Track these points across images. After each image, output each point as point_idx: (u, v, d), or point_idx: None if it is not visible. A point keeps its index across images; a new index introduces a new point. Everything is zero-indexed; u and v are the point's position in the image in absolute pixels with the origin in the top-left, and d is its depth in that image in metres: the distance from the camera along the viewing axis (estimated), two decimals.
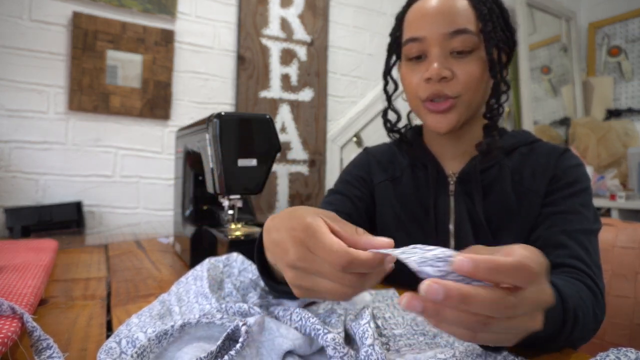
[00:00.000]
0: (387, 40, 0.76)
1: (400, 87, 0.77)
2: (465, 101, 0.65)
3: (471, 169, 0.69)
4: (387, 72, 0.76)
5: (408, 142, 0.77)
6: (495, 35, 0.65)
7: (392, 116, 0.78)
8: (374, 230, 0.78)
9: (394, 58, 0.75)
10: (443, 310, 0.29)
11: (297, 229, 0.36)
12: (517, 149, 0.70)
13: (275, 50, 1.84)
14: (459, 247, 0.66)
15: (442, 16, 0.64)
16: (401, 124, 0.79)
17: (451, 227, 0.68)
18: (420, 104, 0.68)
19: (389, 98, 0.77)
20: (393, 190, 0.74)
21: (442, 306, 0.28)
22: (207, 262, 0.57)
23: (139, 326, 0.42)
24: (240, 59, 1.76)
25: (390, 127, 0.78)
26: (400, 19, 0.72)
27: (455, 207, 0.69)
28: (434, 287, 0.27)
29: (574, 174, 0.66)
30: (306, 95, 1.90)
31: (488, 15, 0.65)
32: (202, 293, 0.50)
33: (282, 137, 1.84)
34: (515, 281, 0.29)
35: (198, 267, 0.56)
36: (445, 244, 0.68)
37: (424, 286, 0.28)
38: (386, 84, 0.77)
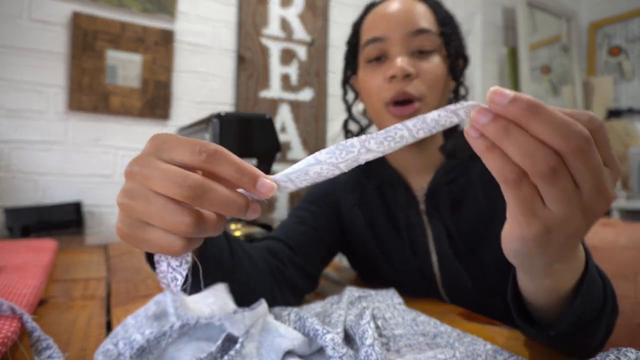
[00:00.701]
0: None
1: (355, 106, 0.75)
2: (429, 104, 0.63)
3: (438, 182, 0.66)
4: (345, 81, 0.75)
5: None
6: (455, 38, 0.66)
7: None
8: (351, 255, 0.76)
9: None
10: (511, 129, 0.25)
11: (157, 135, 0.30)
12: None
13: (275, 50, 1.84)
14: (443, 266, 0.65)
15: (404, 16, 0.64)
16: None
17: (431, 246, 0.66)
18: (382, 109, 0.65)
19: (349, 108, 0.75)
20: (363, 217, 0.70)
21: (511, 124, 0.25)
22: None
23: (135, 327, 0.42)
24: (240, 59, 1.76)
25: (351, 137, 0.76)
26: (357, 26, 0.71)
27: (430, 224, 0.66)
28: (500, 90, 0.24)
29: None
30: (306, 95, 1.90)
31: (447, 19, 0.66)
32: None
33: (282, 137, 1.84)
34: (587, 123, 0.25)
35: None
36: (429, 264, 0.66)
37: (489, 93, 0.25)
38: (345, 93, 0.76)
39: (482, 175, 0.66)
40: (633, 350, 0.34)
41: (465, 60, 0.69)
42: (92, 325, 0.48)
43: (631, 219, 1.90)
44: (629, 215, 1.96)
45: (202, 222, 0.28)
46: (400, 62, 0.62)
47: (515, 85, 2.33)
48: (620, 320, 0.87)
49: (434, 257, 0.65)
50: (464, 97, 0.69)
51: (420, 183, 0.69)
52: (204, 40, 1.71)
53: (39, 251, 0.79)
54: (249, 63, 1.78)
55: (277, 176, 0.29)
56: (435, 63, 0.64)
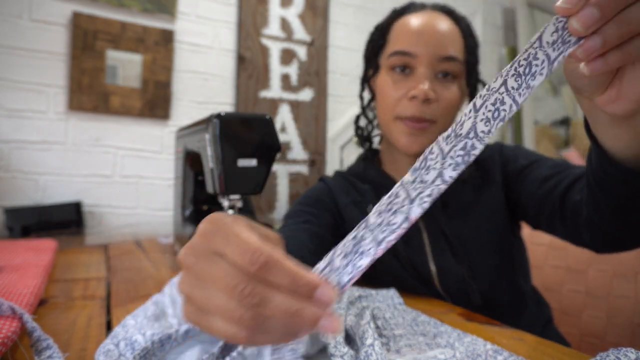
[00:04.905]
0: None
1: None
2: (440, 127, 0.67)
3: None
4: (365, 79, 0.76)
5: (368, 163, 0.78)
6: (477, 67, 0.70)
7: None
8: None
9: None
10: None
11: (210, 220, 0.27)
12: None
13: (275, 50, 1.84)
14: (439, 263, 0.67)
15: (437, 39, 0.65)
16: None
17: (427, 244, 0.69)
18: (392, 120, 0.69)
19: (363, 106, 0.78)
20: (358, 213, 0.71)
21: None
22: None
23: (136, 328, 0.42)
24: (240, 59, 1.76)
25: (361, 134, 0.79)
26: (384, 29, 0.72)
27: (424, 223, 0.69)
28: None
29: (519, 150, 0.72)
30: (306, 95, 1.90)
31: (474, 47, 0.70)
32: None
33: (282, 137, 1.84)
34: None
35: None
36: (424, 261, 0.68)
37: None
38: (362, 89, 0.78)
39: (469, 175, 0.70)
40: (633, 350, 0.34)
41: (483, 85, 0.72)
42: (92, 325, 0.48)
43: None
44: None
45: (264, 319, 0.24)
46: (425, 86, 0.64)
47: None
48: (621, 320, 0.87)
49: (430, 255, 0.68)
50: None
51: None
52: (204, 40, 1.71)
53: (39, 251, 0.79)
54: (249, 63, 1.78)
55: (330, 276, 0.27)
56: (454, 91, 0.68)
